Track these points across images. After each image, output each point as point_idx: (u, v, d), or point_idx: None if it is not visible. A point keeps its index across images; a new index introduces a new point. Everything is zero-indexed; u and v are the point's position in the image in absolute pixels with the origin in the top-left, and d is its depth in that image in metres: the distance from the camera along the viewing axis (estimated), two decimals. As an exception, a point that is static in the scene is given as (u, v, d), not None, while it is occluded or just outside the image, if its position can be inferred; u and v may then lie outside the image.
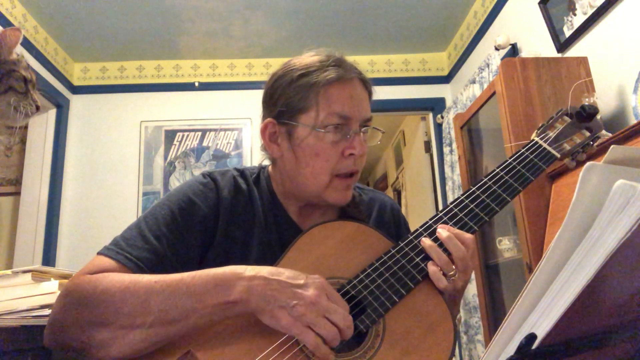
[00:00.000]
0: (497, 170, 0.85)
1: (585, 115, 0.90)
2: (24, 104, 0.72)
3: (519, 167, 0.84)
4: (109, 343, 0.66)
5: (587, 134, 0.89)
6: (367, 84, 0.89)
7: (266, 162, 0.98)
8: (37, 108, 0.74)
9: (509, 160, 0.86)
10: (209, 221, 0.84)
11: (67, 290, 0.71)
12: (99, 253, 0.77)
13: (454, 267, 0.75)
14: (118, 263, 0.74)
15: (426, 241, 0.78)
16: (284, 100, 0.85)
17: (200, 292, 0.67)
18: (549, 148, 0.86)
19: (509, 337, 0.41)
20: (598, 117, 0.92)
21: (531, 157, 0.85)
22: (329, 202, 0.87)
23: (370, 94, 0.89)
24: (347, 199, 0.88)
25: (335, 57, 0.87)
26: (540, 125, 0.92)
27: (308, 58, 0.88)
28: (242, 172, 0.94)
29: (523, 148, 0.87)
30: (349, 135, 0.83)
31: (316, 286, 0.67)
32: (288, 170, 0.88)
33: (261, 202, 0.90)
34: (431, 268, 0.76)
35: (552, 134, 0.88)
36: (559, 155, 0.86)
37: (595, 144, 0.91)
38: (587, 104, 0.92)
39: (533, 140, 0.89)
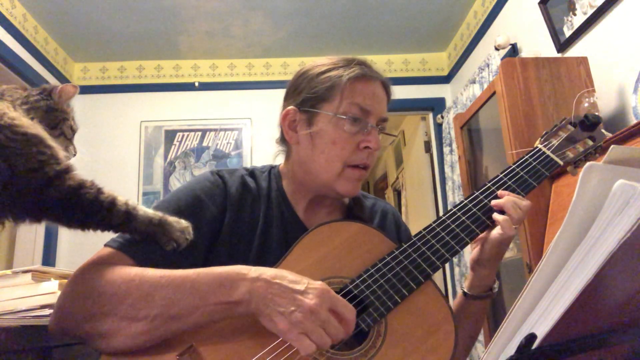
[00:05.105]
0: (501, 176, 0.87)
1: (589, 124, 0.91)
2: (69, 149, 0.82)
3: (522, 173, 0.86)
4: (111, 334, 0.67)
5: (590, 142, 0.91)
6: (388, 87, 0.93)
7: (276, 162, 1.00)
8: (75, 154, 0.85)
9: (513, 167, 0.87)
10: (215, 219, 0.85)
11: (73, 279, 0.72)
12: (105, 245, 0.78)
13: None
14: (124, 254, 0.75)
15: (502, 192, 0.84)
16: (308, 90, 0.89)
17: (203, 290, 0.67)
18: (552, 155, 0.88)
19: (509, 337, 0.41)
20: (601, 126, 0.94)
21: (534, 163, 0.87)
22: (339, 192, 0.88)
23: (389, 98, 0.94)
24: (356, 191, 0.90)
25: (360, 59, 0.92)
26: (544, 132, 0.93)
27: (333, 58, 0.93)
28: (251, 172, 0.96)
29: (527, 155, 0.89)
30: (367, 129, 0.87)
31: (317, 294, 0.66)
32: (302, 157, 0.90)
33: (269, 199, 0.92)
34: (502, 217, 0.80)
35: (555, 142, 0.90)
36: (562, 163, 0.87)
37: (598, 153, 0.92)
38: (590, 113, 0.93)
39: (537, 147, 0.91)
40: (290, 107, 0.91)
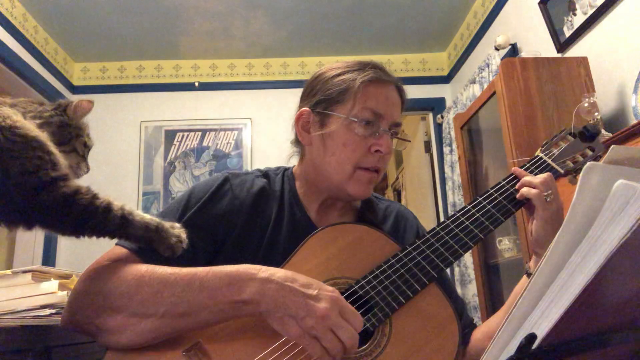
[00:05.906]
0: (503, 183, 0.88)
1: (588, 135, 0.93)
2: (81, 165, 0.83)
3: None
4: (120, 330, 0.68)
5: (590, 152, 0.93)
6: (402, 92, 0.94)
7: (290, 164, 1.01)
8: (87, 171, 0.85)
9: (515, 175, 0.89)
10: (225, 220, 0.85)
11: (86, 276, 0.73)
12: (118, 244, 0.79)
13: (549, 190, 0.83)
14: (134, 253, 0.76)
15: (518, 170, 0.88)
16: (322, 92, 0.90)
17: (212, 288, 0.68)
18: (553, 164, 0.90)
19: (509, 337, 0.41)
20: (600, 137, 0.95)
21: (536, 172, 0.89)
22: (350, 194, 0.89)
23: (403, 102, 0.94)
24: (368, 193, 0.90)
25: (375, 62, 0.94)
26: (544, 142, 0.96)
27: (348, 61, 0.94)
28: (265, 173, 0.97)
29: (528, 163, 0.91)
30: (378, 133, 0.87)
31: (328, 300, 0.66)
32: (314, 158, 0.91)
33: (282, 200, 0.92)
34: (532, 191, 0.82)
35: (556, 151, 0.92)
36: (562, 171, 0.90)
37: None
38: (590, 124, 0.95)
39: (538, 156, 0.93)
40: (304, 108, 0.92)
